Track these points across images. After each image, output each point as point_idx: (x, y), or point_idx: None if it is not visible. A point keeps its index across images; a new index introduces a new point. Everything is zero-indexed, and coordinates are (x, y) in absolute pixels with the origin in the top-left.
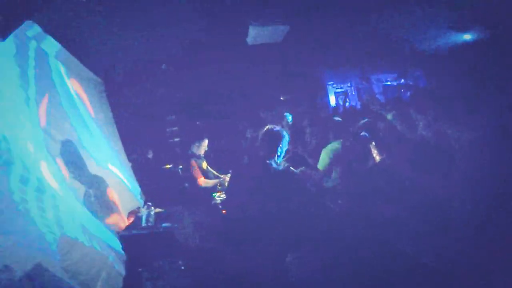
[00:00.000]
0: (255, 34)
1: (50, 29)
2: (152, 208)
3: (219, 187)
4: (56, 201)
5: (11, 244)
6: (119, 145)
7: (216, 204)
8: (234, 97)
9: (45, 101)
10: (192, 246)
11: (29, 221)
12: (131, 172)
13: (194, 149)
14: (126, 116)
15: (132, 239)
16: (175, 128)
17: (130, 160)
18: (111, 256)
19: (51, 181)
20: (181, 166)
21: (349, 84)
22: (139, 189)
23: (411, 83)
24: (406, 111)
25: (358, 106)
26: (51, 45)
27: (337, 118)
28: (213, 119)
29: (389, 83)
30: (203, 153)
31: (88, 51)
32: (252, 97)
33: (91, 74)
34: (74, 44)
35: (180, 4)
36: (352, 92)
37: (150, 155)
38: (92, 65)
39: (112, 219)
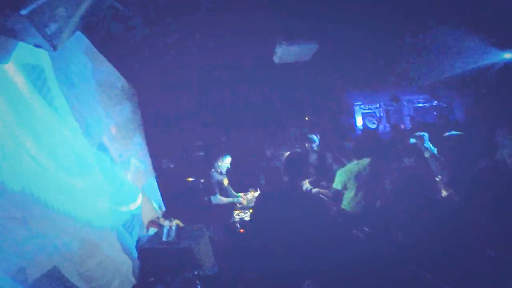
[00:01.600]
0: (282, 53)
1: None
2: (174, 223)
3: (239, 205)
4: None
5: (33, 246)
6: (144, 153)
7: (234, 222)
8: (259, 116)
9: None
10: (209, 265)
11: (57, 221)
12: (153, 181)
13: (217, 165)
14: (154, 125)
15: (150, 252)
16: (200, 143)
17: (154, 169)
18: (126, 264)
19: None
20: (202, 180)
21: (377, 105)
22: (159, 198)
23: (445, 105)
24: (438, 135)
25: (387, 129)
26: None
27: (347, 144)
28: (237, 136)
29: (421, 104)
30: (225, 170)
31: (124, 59)
32: (277, 116)
33: (123, 80)
34: (110, 52)
35: (210, 20)
36: (381, 113)
37: (173, 166)
38: (125, 71)
39: None
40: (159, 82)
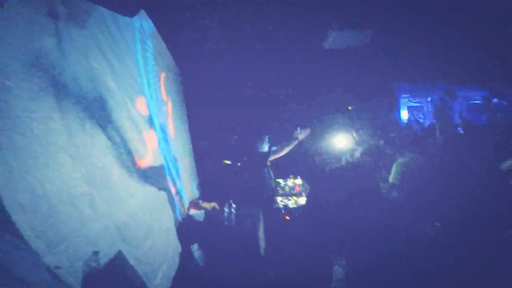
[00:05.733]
0: (334, 39)
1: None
2: (233, 206)
3: (280, 191)
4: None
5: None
6: (186, 134)
7: (279, 208)
8: (301, 101)
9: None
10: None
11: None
12: (193, 162)
13: (262, 145)
14: (198, 107)
15: (213, 235)
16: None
17: (194, 150)
18: (172, 247)
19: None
20: (239, 164)
21: (428, 99)
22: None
23: (505, 103)
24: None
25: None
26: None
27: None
28: (279, 122)
29: (477, 102)
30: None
31: (178, 43)
32: (318, 104)
33: (173, 63)
34: (167, 33)
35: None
36: (429, 108)
37: (211, 148)
38: (177, 55)
39: None
40: (204, 65)
